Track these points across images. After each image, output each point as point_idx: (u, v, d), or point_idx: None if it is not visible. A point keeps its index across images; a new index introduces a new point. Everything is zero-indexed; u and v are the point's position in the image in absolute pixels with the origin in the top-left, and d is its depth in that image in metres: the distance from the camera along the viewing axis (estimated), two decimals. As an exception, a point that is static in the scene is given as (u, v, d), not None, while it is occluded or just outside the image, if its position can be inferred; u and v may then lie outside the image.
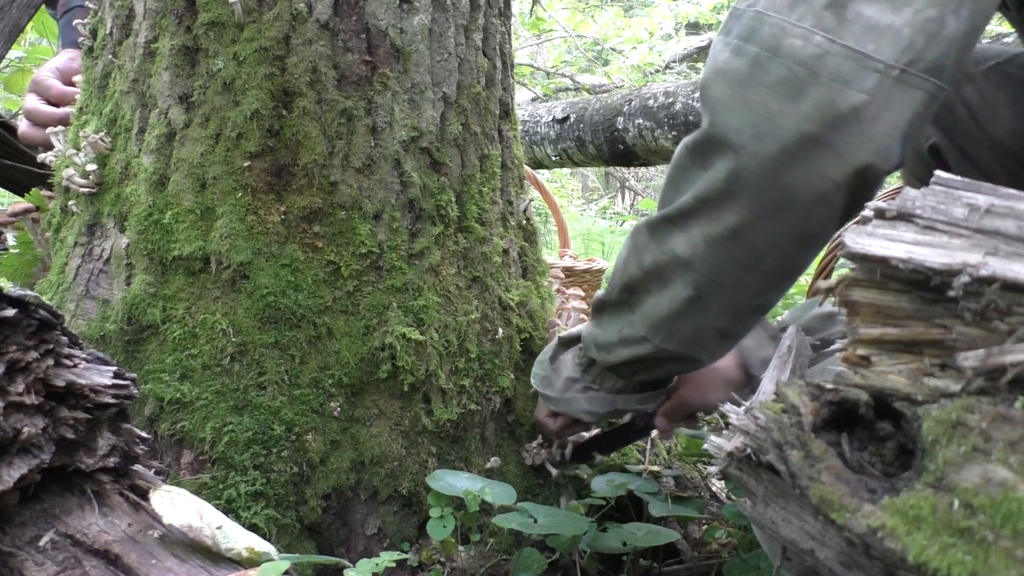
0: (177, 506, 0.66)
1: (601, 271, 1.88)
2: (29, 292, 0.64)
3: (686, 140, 0.80)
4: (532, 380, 1.06)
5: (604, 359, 0.95)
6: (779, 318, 1.06)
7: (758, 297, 0.83)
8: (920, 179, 1.13)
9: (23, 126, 1.41)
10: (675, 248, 0.81)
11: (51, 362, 0.64)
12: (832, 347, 0.56)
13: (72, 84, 1.33)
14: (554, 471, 1.13)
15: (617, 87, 6.09)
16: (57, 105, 1.36)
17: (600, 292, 0.96)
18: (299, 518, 0.96)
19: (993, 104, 1.14)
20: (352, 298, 1.01)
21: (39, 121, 1.36)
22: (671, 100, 3.06)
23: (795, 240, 0.77)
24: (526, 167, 1.65)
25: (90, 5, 1.16)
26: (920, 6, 0.69)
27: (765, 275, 0.80)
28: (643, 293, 0.87)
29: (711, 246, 0.78)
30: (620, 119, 3.27)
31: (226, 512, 0.80)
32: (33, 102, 1.37)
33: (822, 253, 1.30)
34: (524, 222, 1.25)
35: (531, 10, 6.42)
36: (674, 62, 7.22)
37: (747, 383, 1.03)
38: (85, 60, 1.16)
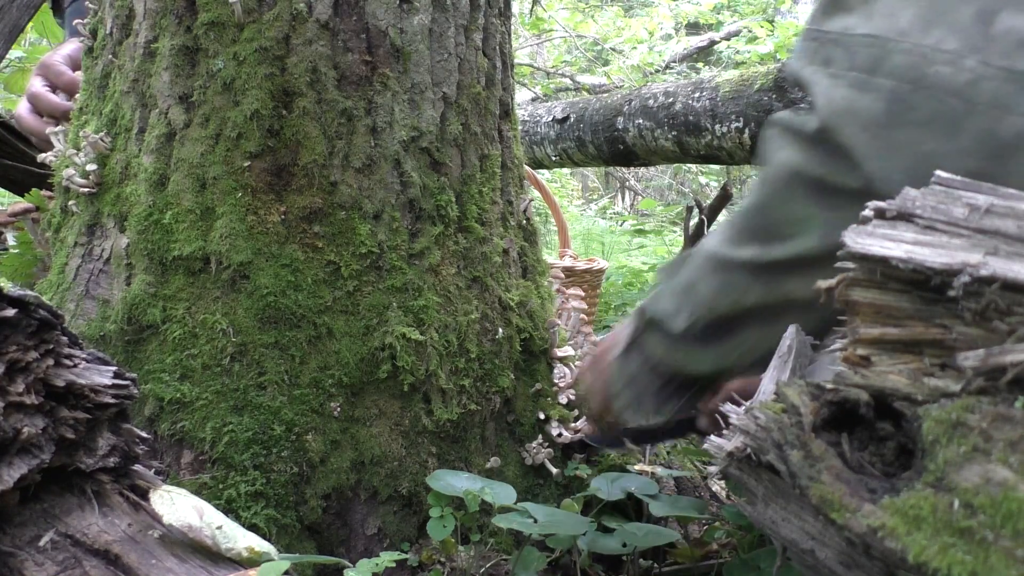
0: (177, 506, 0.66)
1: (601, 271, 1.88)
2: (29, 292, 0.64)
3: (791, 173, 0.72)
4: (616, 405, 0.99)
5: (680, 373, 0.91)
6: None
7: None
8: None
9: (22, 109, 1.32)
10: (792, 292, 0.75)
11: (51, 362, 0.64)
12: (832, 347, 0.56)
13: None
14: (554, 470, 1.13)
15: (617, 87, 6.09)
16: (65, 94, 1.29)
17: (658, 315, 0.89)
18: (299, 518, 0.96)
19: None
20: (352, 298, 1.01)
21: (44, 109, 1.29)
22: (671, 100, 3.06)
23: None
24: (526, 167, 1.65)
25: (90, 5, 1.16)
26: None
27: None
28: (741, 329, 0.81)
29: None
30: (620, 119, 3.27)
31: (226, 512, 0.80)
32: (39, 87, 1.29)
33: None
34: (524, 222, 1.25)
35: (531, 10, 6.42)
36: (674, 62, 7.23)
37: None
38: (85, 60, 1.16)
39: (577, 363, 1.24)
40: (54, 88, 1.31)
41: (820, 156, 0.69)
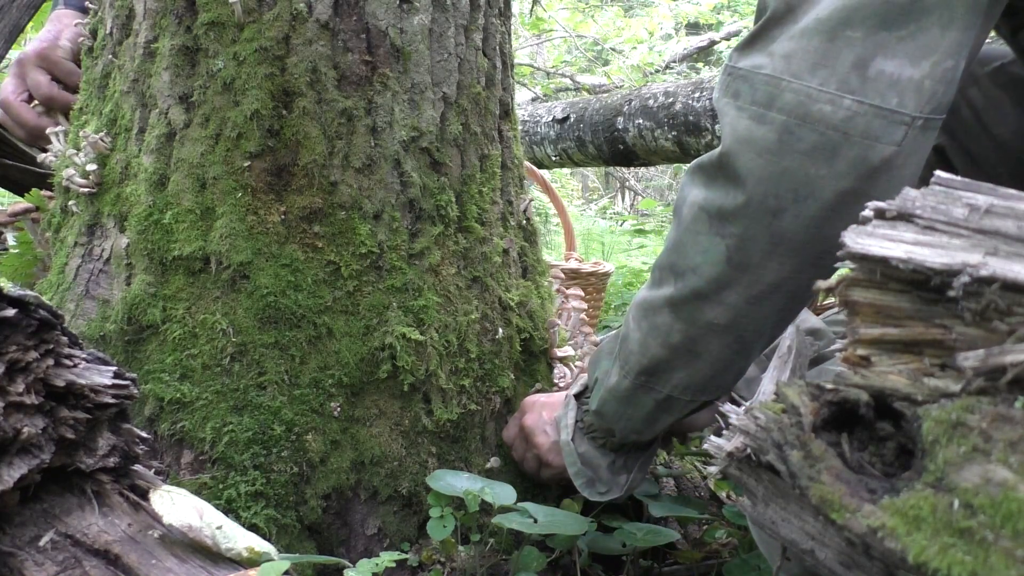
0: (177, 506, 0.66)
1: (607, 274, 1.88)
2: (29, 292, 0.64)
3: (697, 209, 0.81)
4: (577, 483, 1.03)
5: (639, 439, 0.98)
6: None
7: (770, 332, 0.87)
8: (924, 181, 1.14)
9: (10, 95, 1.24)
10: (711, 319, 0.83)
11: (51, 362, 0.64)
12: (832, 347, 0.56)
13: (79, 61, 1.20)
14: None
15: (617, 87, 6.09)
16: (68, 87, 1.23)
17: (592, 391, 0.98)
18: (299, 518, 0.96)
19: (998, 105, 1.14)
20: (352, 298, 1.01)
21: (56, 103, 1.23)
22: (671, 100, 3.06)
23: (820, 275, 0.80)
24: (537, 171, 1.65)
25: (90, 5, 1.15)
26: (938, 59, 0.72)
27: (802, 310, 0.85)
28: (672, 370, 0.89)
29: (753, 304, 0.81)
30: (620, 119, 3.27)
31: (226, 512, 0.80)
32: (40, 77, 1.22)
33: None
34: (524, 222, 1.25)
35: (531, 10, 6.42)
36: (674, 62, 7.23)
37: None
38: (85, 60, 1.16)
39: (577, 363, 1.24)
40: (55, 79, 1.25)
41: (720, 184, 0.79)
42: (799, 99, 0.73)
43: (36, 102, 1.27)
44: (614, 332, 1.02)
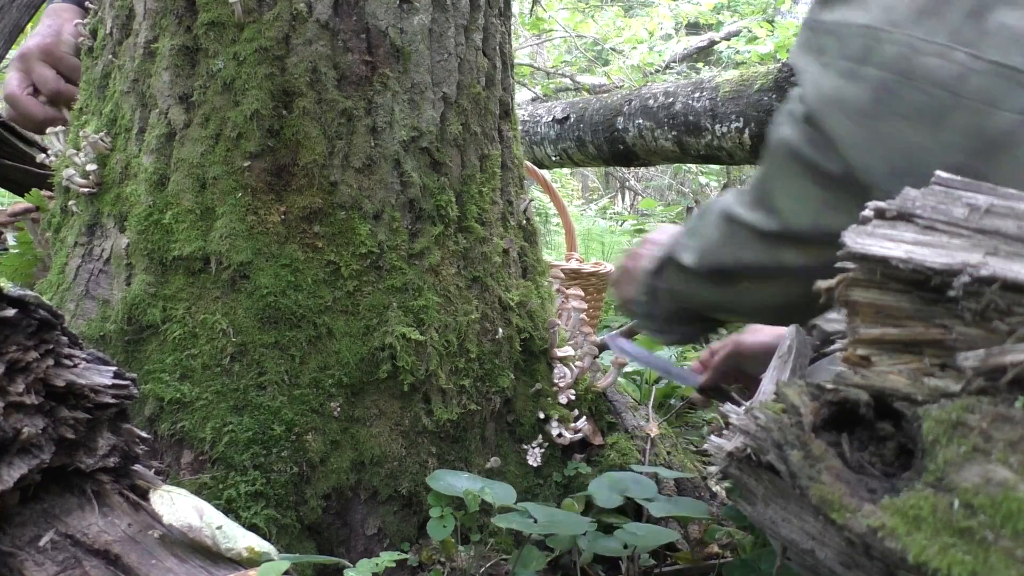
0: (177, 506, 0.66)
1: (607, 274, 1.88)
2: (29, 292, 0.64)
3: (788, 150, 0.72)
4: (626, 308, 1.07)
5: (695, 308, 0.97)
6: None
7: None
8: None
9: (15, 88, 1.24)
10: (785, 261, 0.77)
11: (51, 362, 0.64)
12: (832, 347, 0.56)
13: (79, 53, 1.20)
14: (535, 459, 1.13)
15: (617, 87, 6.09)
16: (71, 81, 1.23)
17: (686, 252, 0.91)
18: (299, 518, 0.96)
19: None
20: (352, 298, 1.01)
21: (63, 97, 1.22)
22: (671, 100, 3.05)
23: None
24: (537, 170, 1.65)
25: (90, 5, 1.15)
26: None
27: None
28: (741, 279, 0.84)
29: (827, 268, 0.75)
30: (620, 119, 3.27)
31: (226, 512, 0.80)
32: (46, 72, 1.22)
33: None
34: (524, 222, 1.25)
35: (531, 10, 6.43)
36: (674, 62, 7.22)
37: None
38: (85, 60, 1.16)
39: (577, 363, 1.24)
40: (60, 73, 1.26)
41: (809, 139, 0.70)
42: (901, 51, 0.61)
43: (42, 96, 1.27)
44: (696, 215, 0.98)
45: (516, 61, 2.10)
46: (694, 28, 8.03)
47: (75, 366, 0.67)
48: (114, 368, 0.70)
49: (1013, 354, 0.41)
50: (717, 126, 2.75)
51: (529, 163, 1.55)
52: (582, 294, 1.37)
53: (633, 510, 1.12)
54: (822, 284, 0.52)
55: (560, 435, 1.16)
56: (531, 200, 1.27)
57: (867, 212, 0.50)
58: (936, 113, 0.61)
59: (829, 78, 0.66)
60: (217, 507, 0.73)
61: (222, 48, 0.98)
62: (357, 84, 1.01)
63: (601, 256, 3.96)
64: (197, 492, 0.86)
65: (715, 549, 1.11)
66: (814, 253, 0.74)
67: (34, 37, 1.27)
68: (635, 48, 7.13)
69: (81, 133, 1.07)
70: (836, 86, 0.65)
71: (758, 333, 1.19)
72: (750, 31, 6.81)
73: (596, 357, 1.25)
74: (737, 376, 1.24)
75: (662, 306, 1.01)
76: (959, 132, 0.60)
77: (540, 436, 1.15)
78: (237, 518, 0.90)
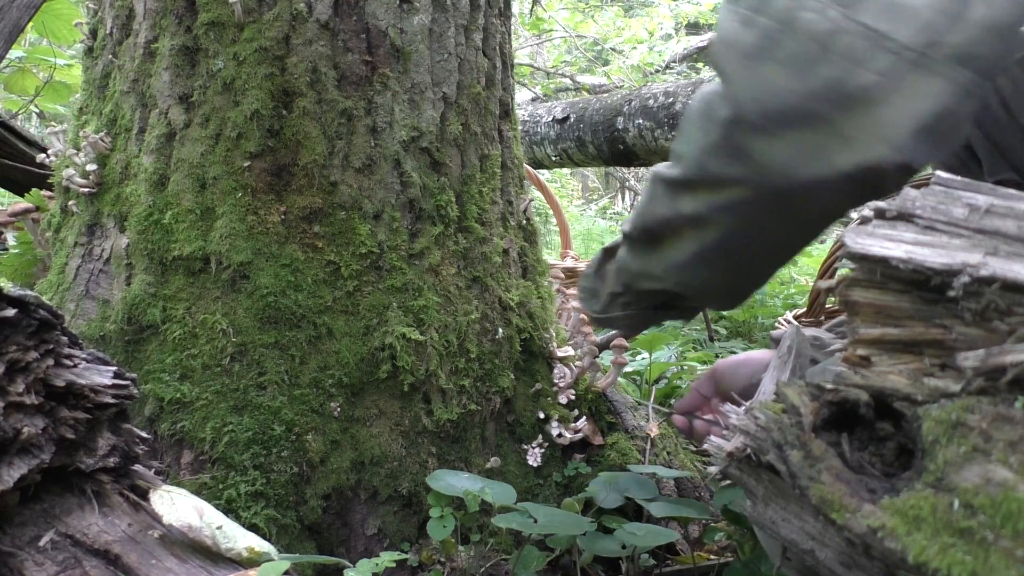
0: (177, 506, 0.66)
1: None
2: (29, 292, 0.64)
3: (704, 98, 0.77)
4: (578, 295, 1.06)
5: (635, 285, 0.97)
6: (772, 332, 1.06)
7: (757, 266, 0.85)
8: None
9: None
10: (683, 209, 0.80)
11: (51, 362, 0.64)
12: (832, 347, 0.56)
13: None
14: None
15: (617, 87, 6.09)
16: None
17: (626, 223, 0.95)
18: (299, 518, 0.96)
19: None
20: (352, 298, 1.01)
21: None
22: (671, 100, 3.06)
23: (794, 221, 0.76)
24: (528, 168, 1.65)
25: (90, 5, 1.15)
26: None
27: (764, 248, 0.81)
28: (661, 239, 0.87)
29: (718, 211, 0.78)
30: (620, 119, 3.27)
31: (226, 512, 0.80)
32: None
33: (825, 255, 1.30)
34: (524, 222, 1.25)
35: (531, 10, 6.42)
36: (674, 62, 7.22)
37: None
38: (85, 60, 1.16)
39: (577, 363, 1.24)
40: None
41: (714, 87, 0.76)
42: (787, 4, 0.68)
43: None
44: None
45: (516, 61, 2.10)
46: (694, 28, 8.03)
47: (75, 366, 0.67)
48: (114, 368, 0.70)
49: (1013, 354, 0.41)
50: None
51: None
52: (582, 294, 1.37)
53: (633, 510, 1.12)
54: (822, 284, 0.52)
55: (560, 435, 1.16)
56: (531, 200, 1.27)
57: (867, 212, 0.51)
58: (805, 62, 0.67)
59: (732, 24, 0.73)
60: (217, 507, 0.73)
61: (222, 48, 0.98)
62: (357, 84, 1.01)
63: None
64: (197, 492, 0.86)
65: (715, 549, 1.11)
66: (702, 198, 0.78)
67: None
68: (635, 48, 7.12)
69: (81, 133, 1.07)
70: (735, 30, 0.72)
71: (734, 357, 1.20)
72: (750, 31, 6.78)
73: (596, 357, 1.25)
74: (717, 395, 1.24)
75: (606, 285, 1.02)
76: (823, 82, 0.66)
77: (540, 436, 1.15)
78: (237, 518, 0.90)
